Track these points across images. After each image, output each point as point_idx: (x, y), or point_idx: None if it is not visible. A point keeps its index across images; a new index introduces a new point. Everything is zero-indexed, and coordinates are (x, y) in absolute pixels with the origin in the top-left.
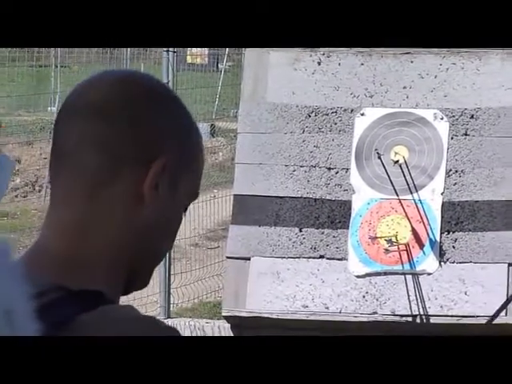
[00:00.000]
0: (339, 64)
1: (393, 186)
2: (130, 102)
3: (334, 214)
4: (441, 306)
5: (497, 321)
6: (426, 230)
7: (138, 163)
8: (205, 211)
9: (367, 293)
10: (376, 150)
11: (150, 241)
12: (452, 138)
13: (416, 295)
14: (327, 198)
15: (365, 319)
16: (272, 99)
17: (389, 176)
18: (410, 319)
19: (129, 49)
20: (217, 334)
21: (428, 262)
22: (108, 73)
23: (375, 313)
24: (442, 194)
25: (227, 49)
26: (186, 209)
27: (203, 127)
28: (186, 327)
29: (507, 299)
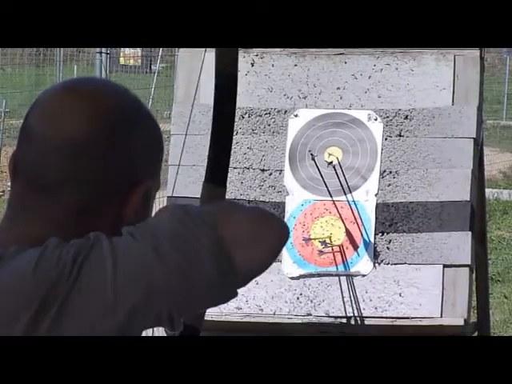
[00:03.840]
0: (272, 65)
1: (327, 187)
2: (106, 134)
3: None
4: (375, 308)
5: (431, 322)
6: (360, 231)
7: (121, 192)
8: None
9: (301, 294)
10: (310, 151)
11: None
12: (386, 139)
13: (350, 297)
14: (261, 199)
15: (299, 321)
16: (205, 101)
17: (322, 177)
18: (344, 321)
19: (62, 50)
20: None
21: (362, 263)
22: (77, 93)
23: (309, 314)
24: (376, 195)
25: (160, 50)
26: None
27: None
28: None
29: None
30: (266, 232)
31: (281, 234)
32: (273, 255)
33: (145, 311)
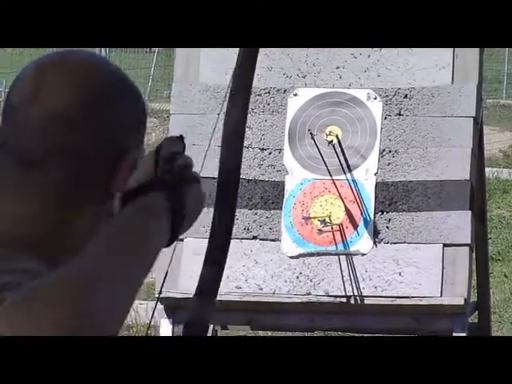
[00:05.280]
0: None
1: (326, 166)
2: (91, 105)
3: (267, 195)
4: (375, 287)
5: (431, 301)
6: (360, 210)
7: (109, 163)
8: None
9: (301, 274)
10: (309, 130)
11: None
12: (385, 118)
13: (350, 276)
14: (260, 178)
15: (298, 300)
16: (204, 80)
17: (322, 156)
18: (344, 300)
19: None
20: (150, 315)
21: (362, 242)
22: (60, 65)
23: (309, 294)
24: (375, 174)
25: None
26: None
27: None
28: None
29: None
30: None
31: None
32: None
33: None
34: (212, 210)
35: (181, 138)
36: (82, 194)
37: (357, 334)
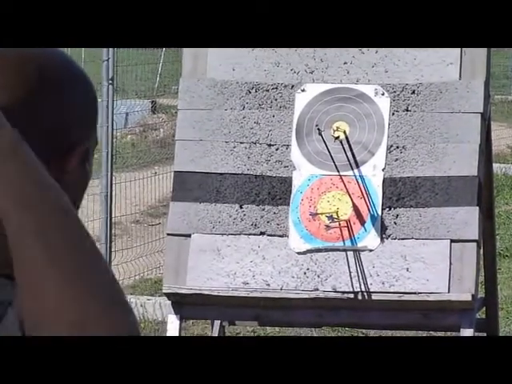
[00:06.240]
0: None
1: (334, 162)
2: (32, 97)
3: (274, 191)
4: (382, 283)
5: (439, 297)
6: (368, 206)
7: (56, 157)
8: (146, 188)
9: (308, 269)
10: (317, 126)
11: None
12: (393, 114)
13: (357, 272)
14: (268, 174)
15: (306, 296)
16: (212, 75)
17: (330, 152)
18: (351, 296)
19: None
20: (158, 311)
21: (369, 238)
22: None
23: (316, 289)
24: (383, 169)
25: None
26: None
27: (144, 104)
28: None
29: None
30: None
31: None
32: None
33: None
34: (219, 205)
35: None
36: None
37: (364, 330)
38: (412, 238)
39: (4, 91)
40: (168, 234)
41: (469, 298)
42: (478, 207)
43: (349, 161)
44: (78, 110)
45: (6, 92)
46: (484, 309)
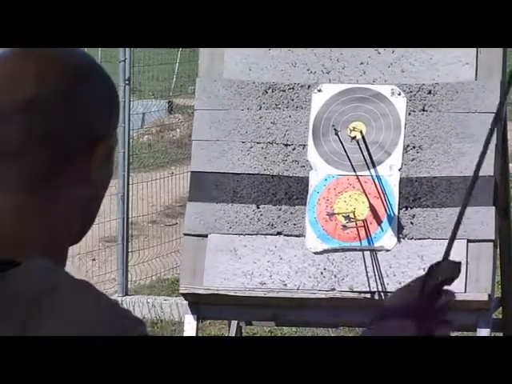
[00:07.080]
0: None
1: (350, 162)
2: (60, 93)
3: (291, 191)
4: (399, 283)
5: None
6: (384, 206)
7: (82, 151)
8: (163, 188)
9: (325, 269)
10: (333, 126)
11: (92, 212)
12: (410, 114)
13: (374, 272)
14: (284, 174)
15: (323, 296)
16: (229, 76)
17: (346, 152)
18: (368, 296)
19: None
20: (175, 312)
21: (386, 238)
22: (25, 55)
23: (333, 289)
24: (399, 169)
25: None
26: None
27: (161, 104)
28: (144, 304)
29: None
30: None
31: None
32: None
33: None
34: (236, 205)
35: (459, 264)
36: (55, 184)
37: None
38: (429, 238)
39: (46, 84)
40: (185, 234)
41: (485, 297)
42: (494, 207)
43: (365, 161)
44: (105, 106)
45: (48, 84)
46: (500, 309)
